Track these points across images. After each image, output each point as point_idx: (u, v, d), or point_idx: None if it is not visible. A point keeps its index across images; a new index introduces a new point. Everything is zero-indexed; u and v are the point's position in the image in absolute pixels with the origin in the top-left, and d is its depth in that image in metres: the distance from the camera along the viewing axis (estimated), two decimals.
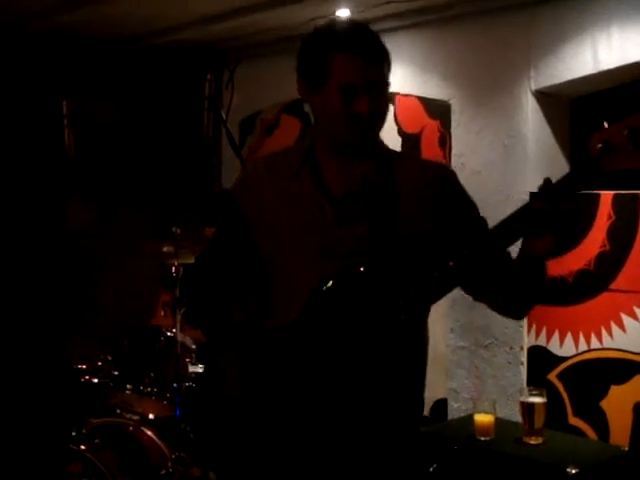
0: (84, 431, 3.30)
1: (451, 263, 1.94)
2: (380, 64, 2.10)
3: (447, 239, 2.06)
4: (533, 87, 4.06)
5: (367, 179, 2.12)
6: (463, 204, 2.20)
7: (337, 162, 2.15)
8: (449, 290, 2.02)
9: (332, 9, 4.42)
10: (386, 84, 2.11)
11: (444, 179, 2.21)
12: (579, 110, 4.27)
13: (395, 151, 2.28)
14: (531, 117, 4.12)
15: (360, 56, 2.05)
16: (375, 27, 4.70)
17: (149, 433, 3.44)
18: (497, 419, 3.52)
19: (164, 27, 4.92)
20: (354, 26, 2.15)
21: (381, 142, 2.21)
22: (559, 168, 4.18)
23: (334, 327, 2.03)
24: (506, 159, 4.13)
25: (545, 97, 4.12)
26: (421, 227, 2.12)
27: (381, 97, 2.09)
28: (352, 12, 4.47)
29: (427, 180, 2.16)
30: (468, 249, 1.94)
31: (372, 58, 2.07)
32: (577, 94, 4.18)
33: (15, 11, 4.56)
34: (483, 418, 3.46)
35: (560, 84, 3.98)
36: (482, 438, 3.43)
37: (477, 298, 2.21)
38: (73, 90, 4.94)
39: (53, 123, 4.25)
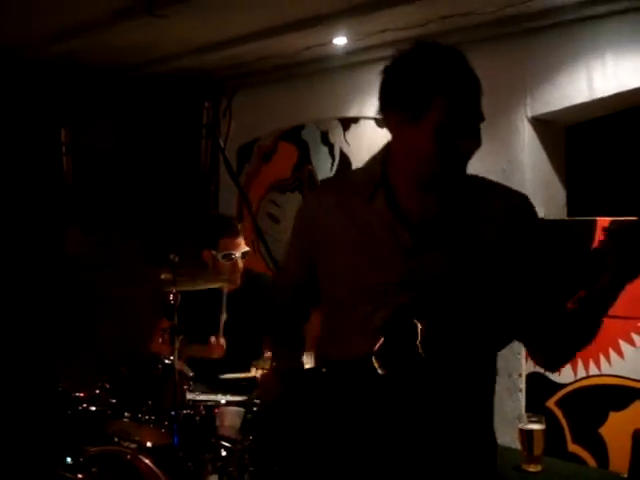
0: (81, 459, 3.28)
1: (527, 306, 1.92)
2: (473, 102, 2.02)
3: (521, 273, 2.02)
4: (529, 114, 4.09)
5: (445, 205, 2.05)
6: (539, 236, 2.12)
7: (415, 189, 2.06)
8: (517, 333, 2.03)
9: (329, 37, 4.46)
10: (478, 120, 2.04)
11: (524, 209, 2.12)
12: (574, 137, 4.31)
13: (474, 177, 2.16)
14: (527, 143, 4.15)
15: (457, 97, 1.98)
16: (371, 55, 4.81)
17: (147, 461, 3.41)
18: (497, 446, 3.50)
19: (162, 56, 4.96)
20: (448, 60, 2.04)
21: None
22: (555, 193, 4.21)
23: (411, 361, 1.95)
24: (504, 183, 4.15)
25: (541, 124, 4.15)
26: (500, 257, 2.05)
27: (476, 133, 2.02)
28: (349, 40, 4.51)
29: (508, 209, 2.08)
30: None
31: (471, 99, 2.01)
32: (573, 121, 4.21)
33: (13, 39, 4.59)
34: None
35: (556, 111, 4.02)
36: None
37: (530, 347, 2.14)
38: (72, 118, 4.96)
39: (52, 150, 4.27)
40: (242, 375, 3.83)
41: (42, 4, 3.95)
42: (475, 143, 2.03)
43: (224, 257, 4.02)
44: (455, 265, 2.01)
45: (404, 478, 2.02)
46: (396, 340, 1.94)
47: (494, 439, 2.18)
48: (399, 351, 1.93)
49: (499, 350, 2.12)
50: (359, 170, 2.25)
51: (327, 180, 2.42)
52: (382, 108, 2.08)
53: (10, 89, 4.89)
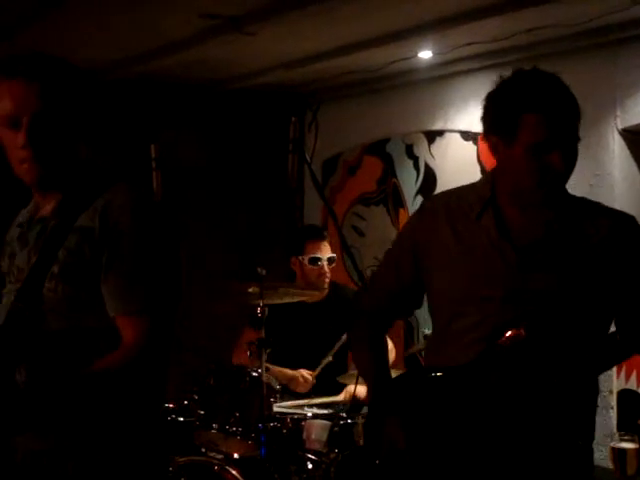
0: (171, 469, 3.33)
1: None
2: (566, 119, 2.07)
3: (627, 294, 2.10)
4: (620, 126, 4.01)
5: (551, 227, 2.12)
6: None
7: (520, 210, 2.15)
8: None
9: (414, 51, 4.46)
10: (572, 137, 2.08)
11: (632, 230, 2.16)
12: None
13: (580, 198, 2.23)
14: (617, 155, 4.06)
15: (546, 114, 2.04)
16: (457, 68, 4.79)
17: (234, 472, 3.45)
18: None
19: (248, 71, 5.04)
20: (540, 81, 2.11)
21: (565, 190, 2.18)
22: None
23: (513, 374, 2.03)
24: (592, 198, 4.07)
25: (632, 135, 4.06)
26: (607, 279, 2.10)
27: (568, 151, 2.07)
28: (434, 54, 4.50)
29: (615, 230, 2.13)
30: None
31: (558, 115, 2.05)
32: None
33: (104, 59, 4.71)
34: None
35: None
36: None
37: None
38: (161, 134, 5.07)
39: (142, 166, 4.35)
40: (332, 399, 3.83)
41: (134, 25, 4.05)
42: (569, 161, 2.07)
43: (310, 261, 4.06)
44: (560, 284, 2.07)
45: None
46: (503, 349, 2.03)
47: (591, 457, 2.24)
48: (506, 359, 2.02)
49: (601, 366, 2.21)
50: (468, 188, 2.31)
51: (436, 196, 2.48)
52: (484, 134, 2.17)
53: (100, 109, 5.01)
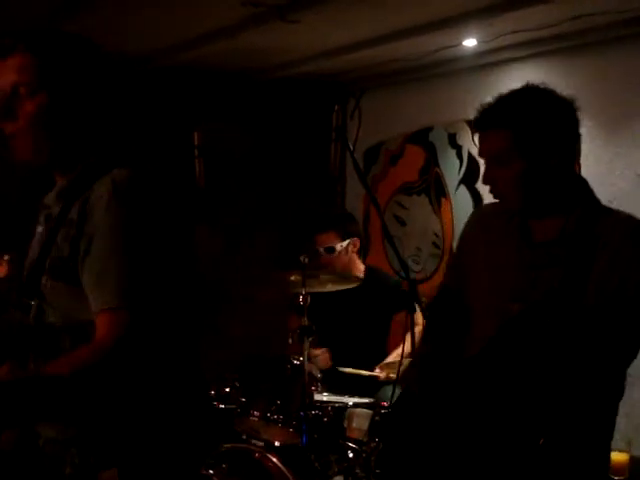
0: (212, 456, 3.36)
1: None
2: (495, 133, 2.23)
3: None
4: None
5: (566, 229, 2.20)
6: None
7: (538, 218, 2.28)
8: None
9: (459, 39, 4.41)
10: (501, 150, 2.22)
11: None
12: None
13: (604, 206, 2.32)
14: None
15: (481, 133, 2.28)
16: (501, 56, 4.73)
17: (274, 460, 3.46)
18: (632, 458, 3.40)
19: (291, 60, 5.02)
20: (500, 99, 2.28)
21: (589, 193, 2.29)
22: None
23: (518, 363, 2.11)
24: (638, 188, 4.02)
25: None
26: (610, 283, 2.12)
27: (498, 164, 2.22)
28: (478, 42, 4.45)
29: (628, 238, 2.16)
30: None
31: (485, 129, 2.27)
32: None
33: (146, 48, 4.74)
34: (617, 457, 3.35)
35: None
36: (616, 478, 3.32)
37: None
38: (204, 122, 5.08)
39: (185, 153, 4.39)
40: (364, 372, 3.83)
41: (177, 13, 4.06)
42: (497, 171, 2.24)
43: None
44: (566, 283, 2.12)
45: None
46: (505, 346, 2.13)
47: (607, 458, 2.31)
48: (506, 352, 2.12)
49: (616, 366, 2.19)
50: None
51: (488, 204, 2.60)
52: None
53: (146, 95, 5.04)
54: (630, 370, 3.98)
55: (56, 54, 1.80)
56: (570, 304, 2.08)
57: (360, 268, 4.25)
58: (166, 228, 1.79)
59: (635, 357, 2.16)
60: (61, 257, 1.76)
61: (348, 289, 4.00)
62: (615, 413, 2.24)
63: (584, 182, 2.32)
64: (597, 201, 2.29)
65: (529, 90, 2.25)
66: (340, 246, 4.14)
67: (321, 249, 4.12)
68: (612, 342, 2.08)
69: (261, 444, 3.51)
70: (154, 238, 1.74)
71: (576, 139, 2.27)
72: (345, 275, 4.04)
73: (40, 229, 1.89)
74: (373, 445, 3.30)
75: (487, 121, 2.24)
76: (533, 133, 2.17)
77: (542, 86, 2.26)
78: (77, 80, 1.81)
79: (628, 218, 2.24)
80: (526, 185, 2.19)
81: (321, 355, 3.99)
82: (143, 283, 1.71)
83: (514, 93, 2.25)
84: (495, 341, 2.13)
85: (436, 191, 5.31)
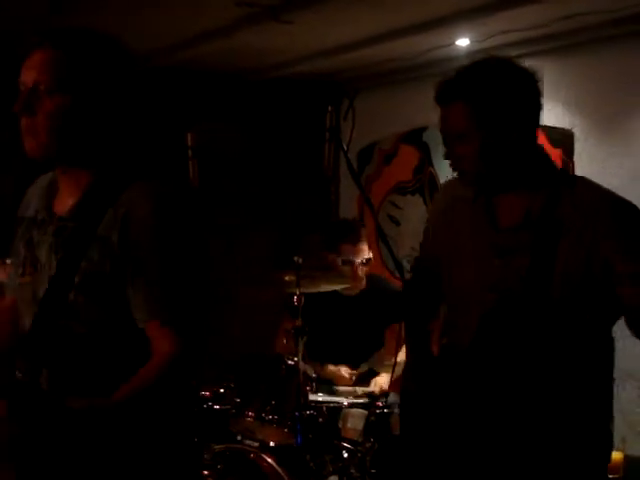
0: (207, 456, 3.35)
1: None
2: (454, 107, 2.16)
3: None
4: None
5: (530, 213, 2.12)
6: (619, 248, 2.08)
7: (504, 195, 2.18)
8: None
9: (452, 39, 4.42)
10: (460, 125, 2.14)
11: (609, 217, 2.10)
12: None
13: (572, 178, 2.24)
14: None
15: (439, 105, 2.21)
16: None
17: (269, 460, 3.47)
18: (626, 457, 3.41)
19: (285, 60, 5.03)
20: (460, 73, 2.20)
21: (553, 169, 2.21)
22: None
23: (508, 354, 2.08)
24: (632, 187, 4.02)
25: None
26: (576, 267, 2.07)
27: (458, 140, 2.15)
28: (471, 41, 4.46)
29: (590, 217, 2.08)
30: None
31: (445, 103, 2.19)
32: None
33: (141, 47, 4.72)
34: (612, 455, 3.35)
35: None
36: (610, 476, 3.32)
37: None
38: (198, 122, 5.08)
39: (178, 154, 4.37)
40: (362, 390, 3.82)
41: (171, 13, 4.06)
42: (454, 149, 2.17)
43: (344, 263, 4.00)
44: (533, 273, 2.07)
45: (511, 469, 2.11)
46: (488, 335, 2.09)
47: (609, 438, 2.31)
48: (492, 345, 2.09)
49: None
50: None
51: (448, 181, 2.49)
52: None
53: (139, 95, 5.04)
54: (624, 367, 4.00)
55: (81, 54, 1.81)
56: (539, 295, 2.05)
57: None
58: (198, 243, 1.86)
59: (618, 318, 2.12)
60: (101, 274, 1.78)
61: (351, 296, 4.02)
62: (610, 384, 2.25)
63: (547, 157, 2.24)
64: (561, 176, 2.20)
65: (489, 62, 2.16)
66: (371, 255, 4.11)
67: (358, 260, 4.00)
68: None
69: (256, 444, 3.51)
70: (194, 255, 1.84)
71: (537, 111, 2.14)
72: (341, 275, 4.01)
73: (39, 231, 1.89)
74: (368, 445, 3.31)
75: (446, 95, 2.17)
76: (492, 106, 2.08)
77: (503, 57, 2.18)
78: (100, 82, 1.83)
79: (591, 197, 2.14)
80: (486, 160, 2.11)
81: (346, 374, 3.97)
82: (195, 298, 1.82)
83: (473, 65, 2.16)
84: (480, 334, 2.11)
85: (430, 191, 5.31)
